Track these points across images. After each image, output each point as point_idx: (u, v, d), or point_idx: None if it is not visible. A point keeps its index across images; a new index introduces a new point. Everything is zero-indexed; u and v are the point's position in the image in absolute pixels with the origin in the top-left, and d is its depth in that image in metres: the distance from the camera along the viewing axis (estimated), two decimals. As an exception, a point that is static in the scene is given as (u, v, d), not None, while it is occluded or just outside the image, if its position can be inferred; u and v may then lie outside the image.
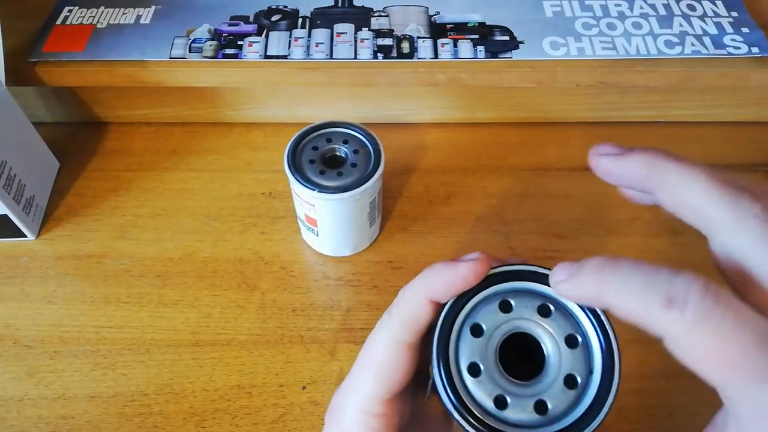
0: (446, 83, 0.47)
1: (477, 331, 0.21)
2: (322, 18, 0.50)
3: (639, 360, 0.34)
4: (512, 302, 0.21)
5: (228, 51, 0.47)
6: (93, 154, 0.51)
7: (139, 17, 0.50)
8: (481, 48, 0.47)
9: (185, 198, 0.48)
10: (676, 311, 0.16)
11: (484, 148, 0.51)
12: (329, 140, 0.40)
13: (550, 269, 0.21)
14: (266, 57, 0.47)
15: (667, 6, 0.50)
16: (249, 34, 0.48)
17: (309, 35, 0.48)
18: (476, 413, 0.20)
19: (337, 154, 0.40)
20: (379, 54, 0.47)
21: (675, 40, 0.47)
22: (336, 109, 0.52)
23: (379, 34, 0.49)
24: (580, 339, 0.21)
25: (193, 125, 0.53)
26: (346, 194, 0.37)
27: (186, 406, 0.38)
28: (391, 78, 0.47)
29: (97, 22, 0.49)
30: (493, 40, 0.48)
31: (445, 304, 0.21)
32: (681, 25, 0.48)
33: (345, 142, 0.40)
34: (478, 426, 0.20)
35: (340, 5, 0.51)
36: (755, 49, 0.46)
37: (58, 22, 0.49)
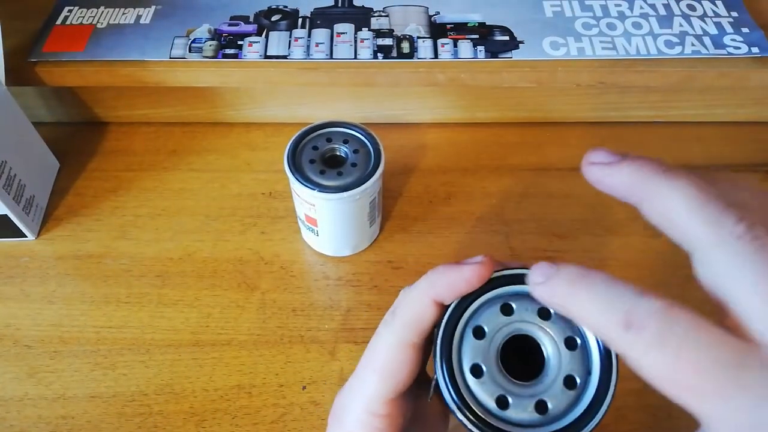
0: (446, 83, 0.47)
1: (479, 333, 0.21)
2: (322, 18, 0.50)
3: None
4: (513, 305, 0.22)
5: (228, 51, 0.47)
6: (93, 154, 0.51)
7: (139, 17, 0.50)
8: (481, 48, 0.47)
9: (185, 198, 0.48)
10: (633, 333, 0.17)
11: (484, 148, 0.51)
12: (329, 140, 0.40)
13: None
14: (266, 57, 0.47)
15: (667, 6, 0.50)
16: (249, 34, 0.48)
17: (309, 35, 0.48)
18: (479, 413, 0.21)
19: (337, 153, 0.40)
20: (379, 54, 0.47)
21: (675, 40, 0.47)
22: (336, 109, 0.52)
23: (379, 34, 0.49)
24: (578, 341, 0.21)
25: (193, 125, 0.53)
26: (346, 194, 0.37)
27: (186, 406, 0.38)
28: (391, 78, 0.47)
29: (97, 22, 0.49)
30: (493, 40, 0.48)
31: (448, 306, 0.22)
32: (681, 25, 0.48)
33: (345, 141, 0.40)
34: (481, 425, 0.20)
35: (340, 5, 0.51)
36: (755, 49, 0.46)
37: (58, 22, 0.49)
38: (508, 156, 0.51)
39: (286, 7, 0.51)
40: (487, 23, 0.49)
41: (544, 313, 0.21)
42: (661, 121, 0.53)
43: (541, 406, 0.21)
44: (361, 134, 0.40)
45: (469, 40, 0.48)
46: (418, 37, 0.48)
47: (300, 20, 0.50)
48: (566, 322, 0.21)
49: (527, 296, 0.21)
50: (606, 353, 0.20)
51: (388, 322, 0.23)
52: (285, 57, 0.47)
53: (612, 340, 0.18)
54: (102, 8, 0.50)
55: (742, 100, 0.51)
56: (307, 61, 0.47)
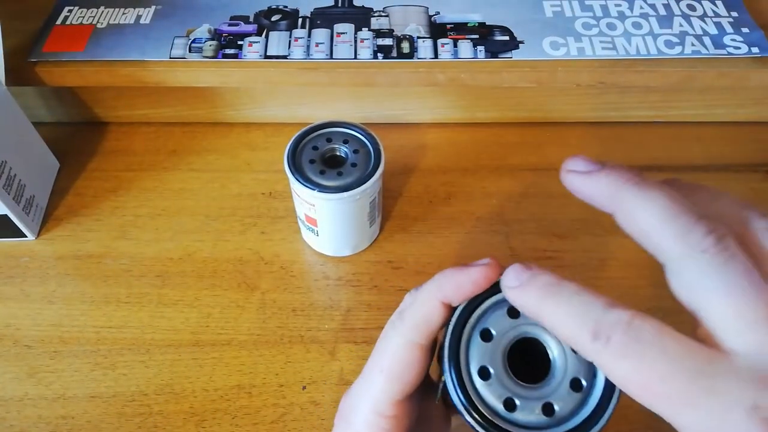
0: (446, 83, 0.47)
1: (487, 335, 0.22)
2: (322, 18, 0.50)
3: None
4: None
5: (228, 51, 0.47)
6: (93, 154, 0.51)
7: (139, 17, 0.50)
8: (481, 48, 0.47)
9: (185, 198, 0.48)
10: (600, 343, 0.18)
11: (484, 148, 0.51)
12: (329, 140, 0.40)
13: None
14: (266, 57, 0.47)
15: (667, 6, 0.50)
16: (249, 34, 0.48)
17: (309, 35, 0.48)
18: (487, 415, 0.21)
19: (337, 153, 0.40)
20: (379, 54, 0.47)
21: (675, 40, 0.47)
22: (336, 109, 0.52)
23: (379, 34, 0.49)
24: None
25: (193, 125, 0.53)
26: (346, 194, 0.37)
27: (186, 406, 0.38)
28: (391, 78, 0.47)
29: (97, 22, 0.49)
30: (493, 40, 0.48)
31: (456, 308, 0.22)
32: (681, 25, 0.48)
33: (345, 141, 0.40)
34: (489, 427, 0.21)
35: (340, 5, 0.51)
36: (755, 49, 0.46)
37: (58, 22, 0.49)
38: (508, 156, 0.51)
39: (286, 7, 0.51)
40: (487, 23, 0.49)
41: None
42: (661, 121, 0.53)
43: (547, 409, 0.21)
44: (361, 134, 0.40)
45: (469, 40, 0.48)
46: (418, 37, 0.48)
47: (300, 20, 0.50)
48: None
49: None
50: None
51: (396, 324, 0.23)
52: (285, 57, 0.47)
53: (581, 348, 0.19)
54: (102, 8, 0.50)
55: (742, 100, 0.51)
56: (307, 61, 0.47)
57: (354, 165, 0.39)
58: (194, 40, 0.48)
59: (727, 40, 0.47)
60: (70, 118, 0.53)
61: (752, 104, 0.51)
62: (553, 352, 0.22)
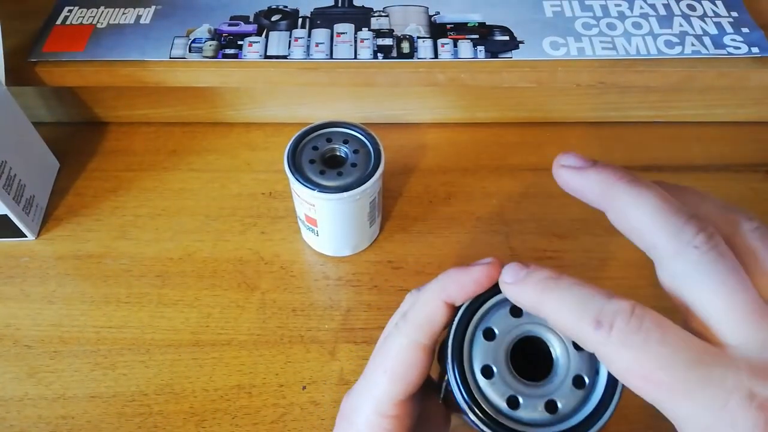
0: (446, 83, 0.47)
1: (489, 334, 0.22)
2: (322, 18, 0.50)
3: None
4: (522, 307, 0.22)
5: (228, 51, 0.47)
6: (93, 154, 0.51)
7: (139, 17, 0.50)
8: (481, 48, 0.47)
9: (185, 198, 0.48)
10: (603, 332, 0.18)
11: (484, 148, 0.51)
12: (329, 140, 0.40)
13: None
14: (266, 57, 0.47)
15: (667, 6, 0.50)
16: (249, 34, 0.48)
17: (309, 35, 0.48)
18: (490, 413, 0.21)
19: (337, 154, 0.40)
20: (379, 54, 0.47)
21: (675, 40, 0.47)
22: (336, 109, 0.52)
23: (379, 34, 0.49)
24: None
25: (193, 125, 0.53)
26: (346, 194, 0.37)
27: (186, 406, 0.38)
28: (391, 78, 0.47)
29: (97, 22, 0.49)
30: (493, 40, 0.48)
31: (459, 309, 0.22)
32: (681, 25, 0.48)
33: (345, 142, 0.40)
34: (493, 425, 0.21)
35: (340, 5, 0.51)
36: (755, 49, 0.46)
37: (58, 22, 0.49)
38: (508, 156, 0.51)
39: (286, 7, 0.51)
40: (487, 23, 0.49)
41: None
42: (661, 121, 0.53)
43: (551, 406, 0.21)
44: (361, 134, 0.40)
45: (469, 40, 0.48)
46: (418, 37, 0.48)
47: (300, 20, 0.50)
48: None
49: None
50: None
51: (400, 324, 0.23)
52: (285, 57, 0.47)
53: (584, 338, 0.19)
54: (102, 8, 0.50)
55: (742, 100, 0.51)
56: (307, 61, 0.47)
57: (354, 165, 0.39)
58: (194, 40, 0.48)
59: (727, 40, 0.47)
60: (70, 118, 0.53)
61: (752, 104, 0.51)
62: (556, 350, 0.22)
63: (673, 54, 0.46)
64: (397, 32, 0.49)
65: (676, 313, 0.20)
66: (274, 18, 0.50)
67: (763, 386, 0.17)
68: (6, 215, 0.43)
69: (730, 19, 0.49)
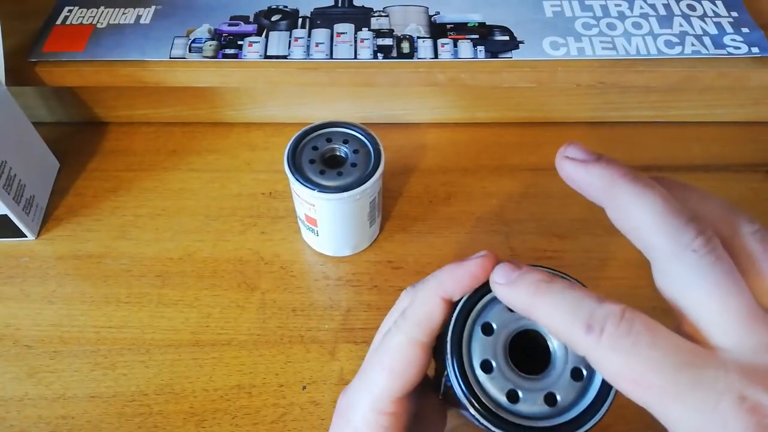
0: (446, 83, 0.47)
1: (488, 329, 0.22)
2: (322, 18, 0.50)
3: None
4: None
5: (228, 51, 0.47)
6: (93, 154, 0.51)
7: (139, 17, 0.50)
8: (481, 48, 0.47)
9: (185, 198, 0.48)
10: (594, 336, 0.18)
11: (484, 148, 0.51)
12: (329, 140, 0.40)
13: (555, 270, 0.22)
14: (266, 57, 0.47)
15: (667, 6, 0.50)
16: (249, 34, 0.48)
17: (309, 35, 0.48)
18: (490, 407, 0.21)
19: (337, 154, 0.40)
20: (379, 54, 0.47)
21: (675, 40, 0.47)
22: (336, 109, 0.52)
23: (379, 34, 0.49)
24: None
25: (193, 125, 0.53)
26: (346, 194, 0.37)
27: (186, 406, 0.38)
28: (391, 78, 0.47)
29: (97, 22, 0.49)
30: (493, 40, 0.48)
31: (456, 305, 0.22)
32: (681, 25, 0.48)
33: (345, 141, 0.40)
34: (494, 419, 0.21)
35: (340, 5, 0.51)
36: (755, 49, 0.46)
37: (58, 22, 0.49)
38: (508, 156, 0.51)
39: (286, 7, 0.51)
40: (487, 23, 0.49)
41: None
42: (661, 121, 0.53)
43: (550, 399, 0.21)
44: (361, 134, 0.40)
45: (469, 40, 0.48)
46: (418, 37, 0.48)
47: (300, 20, 0.50)
48: None
49: None
50: None
51: (398, 322, 0.23)
52: (285, 57, 0.47)
53: (574, 342, 0.19)
54: (102, 8, 0.50)
55: (742, 100, 0.51)
56: (307, 61, 0.47)
57: (354, 165, 0.39)
58: (194, 40, 0.48)
59: (727, 40, 0.47)
60: (70, 118, 0.53)
61: (752, 104, 0.51)
62: (553, 343, 0.22)
63: (673, 54, 0.46)
64: (397, 32, 0.49)
65: (674, 315, 0.20)
66: (274, 18, 0.50)
67: (754, 389, 0.17)
68: (6, 215, 0.43)
69: (730, 19, 0.49)
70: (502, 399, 0.21)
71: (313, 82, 0.47)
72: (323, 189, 0.37)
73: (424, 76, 0.47)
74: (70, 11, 0.50)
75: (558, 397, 0.21)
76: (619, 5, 0.50)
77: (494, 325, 0.22)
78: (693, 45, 0.47)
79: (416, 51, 0.47)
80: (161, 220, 0.46)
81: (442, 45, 0.47)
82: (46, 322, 0.41)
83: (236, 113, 0.52)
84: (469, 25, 0.49)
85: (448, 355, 0.22)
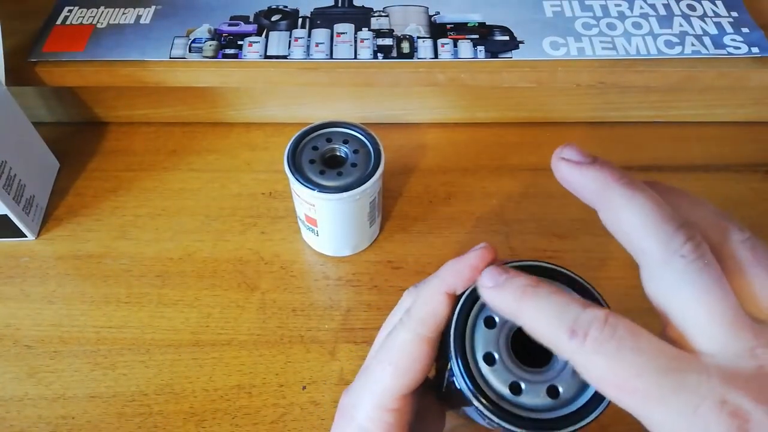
0: (446, 83, 0.47)
1: (490, 322, 0.22)
2: (322, 18, 0.50)
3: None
4: None
5: (228, 51, 0.47)
6: (93, 154, 0.51)
7: (139, 17, 0.50)
8: (481, 48, 0.47)
9: (185, 198, 0.48)
10: (578, 341, 0.19)
11: (484, 148, 0.51)
12: (329, 140, 0.40)
13: (556, 265, 0.23)
14: (266, 57, 0.47)
15: (667, 6, 0.50)
16: (249, 34, 0.48)
17: (309, 35, 0.48)
18: (494, 399, 0.21)
19: (337, 154, 0.40)
20: (379, 54, 0.47)
21: (675, 40, 0.47)
22: (336, 109, 0.52)
23: (379, 34, 0.49)
24: None
25: (193, 125, 0.53)
26: (346, 194, 0.37)
27: (186, 406, 0.38)
28: (391, 78, 0.47)
29: (97, 22, 0.49)
30: (493, 40, 0.48)
31: (459, 299, 0.23)
32: (681, 25, 0.48)
33: (345, 142, 0.40)
34: (497, 411, 0.21)
35: (340, 5, 0.51)
36: (755, 49, 0.46)
37: (58, 22, 0.49)
38: (508, 156, 0.51)
39: (286, 7, 0.51)
40: (487, 23, 0.49)
41: None
42: (661, 121, 0.53)
43: (552, 391, 0.21)
44: (361, 134, 0.40)
45: (469, 40, 0.48)
46: (418, 37, 0.48)
47: (300, 20, 0.50)
48: None
49: None
50: None
51: (404, 319, 0.23)
52: (285, 57, 0.47)
53: (559, 347, 0.19)
54: (102, 8, 0.50)
55: (742, 100, 0.51)
56: (307, 61, 0.47)
57: (354, 165, 0.39)
58: (194, 40, 0.48)
59: (727, 40, 0.47)
60: (70, 118, 0.53)
61: (752, 104, 0.51)
62: None
63: (673, 54, 0.46)
64: (397, 32, 0.49)
65: (660, 319, 0.20)
66: (274, 18, 0.50)
67: (735, 394, 0.17)
68: (6, 215, 0.43)
69: (730, 19, 0.49)
70: (505, 391, 0.21)
71: (313, 82, 0.47)
72: (323, 189, 0.37)
73: (424, 76, 0.47)
74: (70, 11, 0.50)
75: (560, 390, 0.21)
76: (619, 5, 0.50)
77: (496, 319, 0.22)
78: (693, 45, 0.47)
79: (416, 51, 0.47)
80: (161, 220, 0.46)
81: (442, 45, 0.47)
82: (46, 322, 0.41)
83: (236, 113, 0.52)
84: (469, 25, 0.49)
85: (451, 348, 0.22)
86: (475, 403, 0.21)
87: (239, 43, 0.48)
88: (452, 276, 0.23)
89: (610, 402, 0.21)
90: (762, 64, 0.46)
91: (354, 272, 0.44)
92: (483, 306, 0.23)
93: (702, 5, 0.50)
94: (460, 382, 0.22)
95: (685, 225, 0.19)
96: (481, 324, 0.22)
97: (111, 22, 0.49)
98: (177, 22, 0.49)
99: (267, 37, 0.48)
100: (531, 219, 0.46)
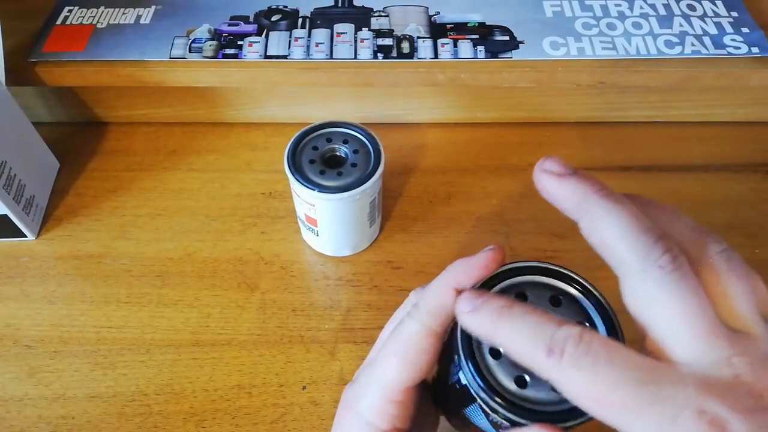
0: (446, 83, 0.47)
1: None
2: (322, 18, 0.50)
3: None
4: (527, 293, 0.23)
5: (228, 51, 0.47)
6: (93, 154, 0.51)
7: (139, 17, 0.50)
8: (481, 48, 0.47)
9: (185, 198, 0.48)
10: (555, 358, 0.19)
11: (484, 148, 0.51)
12: (329, 140, 0.40)
13: (561, 267, 0.23)
14: (266, 57, 0.47)
15: (667, 6, 0.50)
16: (249, 34, 0.48)
17: (309, 35, 0.48)
18: (500, 391, 0.21)
19: (337, 154, 0.40)
20: (379, 54, 0.47)
21: (675, 40, 0.47)
22: (336, 109, 0.52)
23: (379, 34, 0.49)
24: (587, 325, 0.22)
25: (193, 125, 0.53)
26: (346, 194, 0.37)
27: (186, 406, 0.38)
28: (391, 78, 0.47)
29: (97, 22, 0.49)
30: (493, 40, 0.48)
31: None
32: (681, 25, 0.48)
33: (345, 142, 0.40)
34: (502, 403, 0.21)
35: (340, 5, 0.51)
36: (755, 49, 0.46)
37: (58, 22, 0.49)
38: (508, 156, 0.51)
39: (286, 7, 0.51)
40: (487, 23, 0.49)
41: (555, 301, 0.23)
42: (661, 121, 0.53)
43: None
44: (361, 134, 0.40)
45: (469, 40, 0.48)
46: (418, 37, 0.48)
47: (300, 20, 0.50)
48: (575, 309, 0.22)
49: (540, 285, 0.23)
50: (612, 336, 0.21)
51: (411, 312, 0.24)
52: (285, 57, 0.47)
53: (537, 365, 0.19)
54: (102, 8, 0.50)
55: (742, 100, 0.51)
56: (307, 61, 0.47)
57: (354, 165, 0.39)
58: (194, 40, 0.48)
59: (727, 40, 0.47)
60: (70, 118, 0.53)
61: (752, 104, 0.51)
62: None
63: (673, 54, 0.46)
64: (397, 32, 0.49)
65: (639, 331, 0.20)
66: (274, 18, 0.50)
67: (713, 403, 0.17)
68: (6, 215, 0.43)
69: (730, 19, 0.49)
70: (511, 384, 0.22)
71: (313, 82, 0.47)
72: (323, 189, 0.37)
73: (424, 76, 0.47)
74: (70, 11, 0.50)
75: None
76: (619, 5, 0.50)
77: None
78: (693, 45, 0.47)
79: (416, 51, 0.47)
80: (161, 220, 0.46)
81: (442, 45, 0.47)
82: (46, 322, 0.41)
83: (236, 113, 0.52)
84: (469, 25, 0.49)
85: (458, 341, 0.22)
86: (483, 395, 0.21)
87: (239, 43, 0.48)
88: (462, 272, 0.23)
89: None
90: (762, 64, 0.46)
91: (354, 272, 0.44)
92: None
93: (702, 5, 0.50)
94: (467, 376, 0.22)
95: (663, 237, 0.19)
96: None
97: (111, 22, 0.49)
98: (177, 22, 0.49)
99: (267, 37, 0.48)
100: (531, 219, 0.46)
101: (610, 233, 0.20)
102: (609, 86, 0.47)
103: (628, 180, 0.49)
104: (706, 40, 0.47)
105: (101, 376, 0.39)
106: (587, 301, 0.22)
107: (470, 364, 0.22)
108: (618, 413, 0.18)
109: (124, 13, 0.50)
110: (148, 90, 0.50)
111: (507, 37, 0.48)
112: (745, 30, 0.48)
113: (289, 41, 0.48)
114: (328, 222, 0.40)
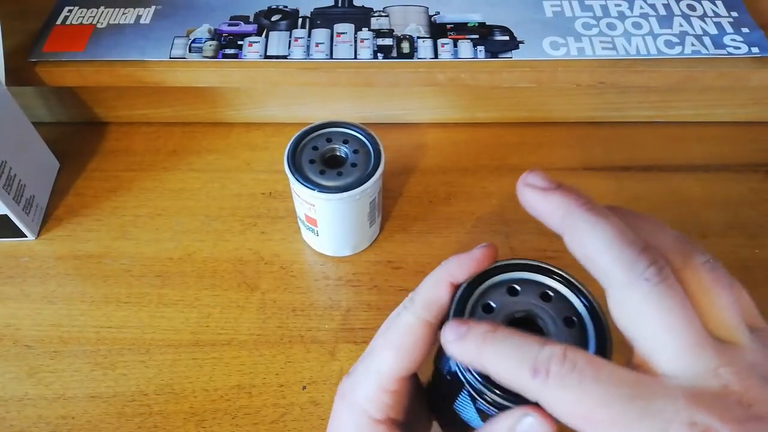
0: (446, 83, 0.47)
1: (488, 309, 0.23)
2: (322, 18, 0.50)
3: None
4: (518, 288, 0.23)
5: (228, 51, 0.47)
6: (93, 154, 0.51)
7: (139, 17, 0.50)
8: (481, 48, 0.47)
9: (185, 198, 0.48)
10: (540, 379, 0.19)
11: (484, 148, 0.51)
12: (329, 140, 0.40)
13: (552, 265, 0.23)
14: (266, 57, 0.47)
15: (667, 6, 0.50)
16: (249, 34, 0.48)
17: (309, 35, 0.48)
18: (491, 378, 0.21)
19: (337, 154, 0.40)
20: (379, 54, 0.47)
21: (675, 40, 0.47)
22: (336, 109, 0.52)
23: (379, 34, 0.49)
24: (575, 320, 0.22)
25: (193, 125, 0.53)
26: (346, 194, 0.37)
27: (186, 406, 0.38)
28: (391, 78, 0.47)
29: (97, 22, 0.49)
30: (493, 40, 0.48)
31: (458, 288, 0.23)
32: (681, 25, 0.48)
33: (345, 142, 0.40)
34: (487, 384, 0.21)
35: (340, 5, 0.51)
36: (755, 49, 0.46)
37: (58, 22, 0.49)
38: (508, 156, 0.51)
39: (286, 7, 0.51)
40: (487, 23, 0.49)
41: (545, 297, 0.23)
42: (661, 121, 0.53)
43: None
44: (361, 134, 0.40)
45: (469, 40, 0.48)
46: (418, 37, 0.48)
47: (300, 20, 0.50)
48: (565, 305, 0.23)
49: (530, 282, 0.23)
50: (600, 330, 0.22)
51: (407, 305, 0.24)
52: (285, 57, 0.47)
53: (524, 387, 0.19)
54: (102, 8, 0.50)
55: (742, 100, 0.51)
56: (307, 61, 0.47)
57: (354, 165, 0.39)
58: (194, 40, 0.48)
59: (727, 40, 0.47)
60: (70, 118, 0.53)
61: (752, 104, 0.51)
62: (548, 326, 0.23)
63: (673, 54, 0.46)
64: (397, 32, 0.49)
65: (626, 345, 0.20)
66: (274, 18, 0.50)
67: (703, 414, 0.17)
68: (6, 215, 0.43)
69: (730, 19, 0.49)
70: None
71: (313, 82, 0.47)
72: (323, 189, 0.38)
73: (424, 76, 0.47)
74: (70, 11, 0.50)
75: None
76: (619, 5, 0.50)
77: (494, 306, 0.23)
78: (693, 45, 0.47)
79: (416, 51, 0.47)
80: (161, 220, 0.46)
81: (442, 45, 0.47)
82: (46, 322, 0.41)
83: (236, 113, 0.52)
84: (469, 25, 0.49)
85: None
86: (468, 376, 0.22)
87: (239, 43, 0.48)
88: (456, 266, 0.23)
89: None
90: (762, 64, 0.46)
91: (354, 272, 0.44)
92: (482, 295, 0.23)
93: (702, 5, 0.50)
94: (454, 360, 0.22)
95: (647, 249, 0.19)
96: (479, 310, 0.23)
97: (111, 22, 0.49)
98: (177, 22, 0.49)
99: (267, 37, 0.48)
100: (531, 219, 0.46)
101: (594, 247, 0.20)
102: (609, 86, 0.47)
103: (628, 180, 0.49)
104: (706, 40, 0.47)
105: (101, 376, 0.39)
106: (576, 298, 0.23)
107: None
108: (607, 429, 0.18)
109: (124, 13, 0.50)
110: (148, 90, 0.50)
111: (507, 37, 0.48)
112: (745, 30, 0.48)
113: (289, 41, 0.48)
114: (328, 222, 0.40)
